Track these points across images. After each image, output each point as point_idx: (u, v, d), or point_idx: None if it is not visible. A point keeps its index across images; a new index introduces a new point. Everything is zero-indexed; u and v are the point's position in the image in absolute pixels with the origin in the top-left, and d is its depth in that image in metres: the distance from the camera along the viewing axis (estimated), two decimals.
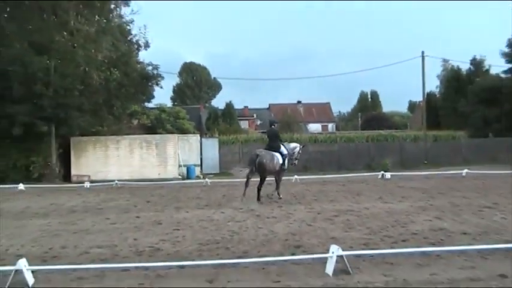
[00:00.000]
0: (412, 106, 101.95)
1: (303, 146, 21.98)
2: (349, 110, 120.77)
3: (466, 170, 29.74)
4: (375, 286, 7.54)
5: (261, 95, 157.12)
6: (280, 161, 19.11)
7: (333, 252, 8.23)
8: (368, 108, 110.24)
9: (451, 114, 54.31)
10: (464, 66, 57.34)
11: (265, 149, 19.38)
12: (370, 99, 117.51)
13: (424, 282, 7.67)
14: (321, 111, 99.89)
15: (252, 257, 9.39)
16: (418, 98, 59.79)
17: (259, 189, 18.92)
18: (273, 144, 19.35)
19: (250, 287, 7.63)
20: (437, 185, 23.68)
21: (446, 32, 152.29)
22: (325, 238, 11.13)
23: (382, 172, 29.59)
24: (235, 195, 20.91)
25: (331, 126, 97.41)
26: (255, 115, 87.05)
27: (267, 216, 14.79)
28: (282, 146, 19.55)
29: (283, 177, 21.14)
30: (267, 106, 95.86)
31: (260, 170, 18.77)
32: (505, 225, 12.30)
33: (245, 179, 19.43)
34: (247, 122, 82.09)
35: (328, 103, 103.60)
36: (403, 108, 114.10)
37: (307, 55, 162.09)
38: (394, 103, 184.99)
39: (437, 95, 63.63)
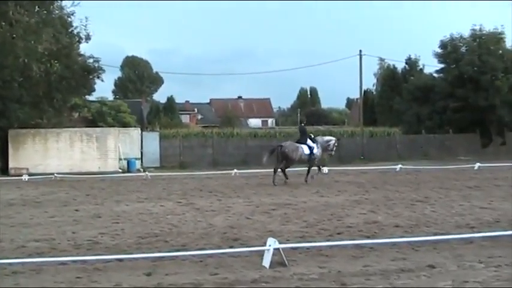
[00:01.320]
0: (350, 103, 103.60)
1: (338, 140, 25.43)
2: (289, 106, 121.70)
3: (399, 165, 30.59)
4: (310, 278, 7.72)
5: (202, 90, 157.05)
6: (306, 152, 22.63)
7: (269, 245, 8.38)
8: (307, 105, 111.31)
9: (387, 112, 55.53)
10: (400, 65, 58.67)
11: (296, 142, 23.23)
12: (309, 96, 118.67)
13: (357, 274, 7.88)
14: (261, 107, 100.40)
15: (190, 250, 9.48)
16: (356, 95, 60.93)
17: (283, 171, 22.73)
18: (301, 139, 23.19)
19: (188, 280, 7.72)
20: (373, 179, 24.30)
21: (383, 32, 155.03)
22: (263, 231, 11.32)
23: (320, 166, 30.03)
24: (175, 189, 20.99)
25: (271, 121, 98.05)
26: (196, 110, 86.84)
27: (206, 210, 14.92)
28: (309, 140, 22.97)
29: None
30: (208, 101, 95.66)
31: (283, 157, 22.55)
32: (434, 218, 12.78)
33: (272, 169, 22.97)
34: (188, 116, 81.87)
35: (268, 99, 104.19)
36: (341, 105, 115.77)
37: (248, 52, 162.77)
38: (332, 100, 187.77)
39: (374, 93, 64.92)
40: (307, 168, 23.34)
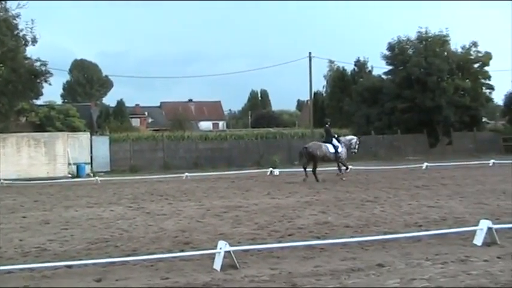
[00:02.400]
0: (300, 105, 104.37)
1: (359, 138, 27.26)
2: (240, 108, 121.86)
3: (350, 166, 30.88)
4: (261, 279, 7.74)
5: (152, 94, 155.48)
6: (331, 150, 24.31)
7: (220, 248, 8.37)
8: (258, 107, 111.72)
9: (337, 113, 56.19)
10: (349, 67, 59.53)
11: (322, 142, 25.23)
12: (260, 98, 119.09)
13: (308, 274, 7.92)
14: (212, 110, 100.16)
15: (141, 255, 9.38)
16: (306, 97, 61.35)
17: (314, 172, 24.11)
18: (326, 138, 25.16)
19: (138, 285, 7.65)
20: (323, 180, 24.48)
21: (332, 34, 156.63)
22: (214, 234, 11.29)
23: (271, 169, 30.22)
24: (126, 193, 20.79)
25: (222, 124, 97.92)
26: (146, 113, 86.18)
27: (157, 214, 14.80)
28: (333, 139, 24.70)
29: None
30: (159, 104, 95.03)
31: (309, 156, 24.30)
32: (384, 218, 12.96)
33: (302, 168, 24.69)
34: (138, 120, 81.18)
35: (219, 101, 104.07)
36: (292, 107, 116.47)
37: (198, 54, 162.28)
38: (283, 102, 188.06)
39: (324, 95, 65.54)
40: (337, 167, 25.26)
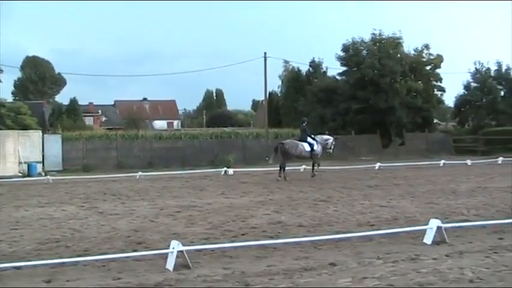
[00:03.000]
0: (256, 105, 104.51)
1: (335, 139, 27.78)
2: (195, 107, 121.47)
3: (303, 166, 31.10)
4: (214, 279, 7.73)
5: (106, 92, 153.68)
6: (307, 149, 24.82)
7: (173, 248, 8.33)
8: (213, 106, 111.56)
9: (291, 113, 56.44)
10: (304, 67, 59.81)
11: (296, 140, 25.86)
12: (215, 98, 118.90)
13: (261, 274, 7.95)
14: (167, 109, 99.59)
15: (92, 255, 9.27)
16: (261, 97, 61.41)
17: (281, 168, 24.66)
18: (302, 137, 25.53)
19: (90, 286, 7.55)
20: (277, 180, 24.57)
21: (287, 35, 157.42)
22: (167, 234, 11.23)
23: (225, 168, 30.21)
24: (78, 193, 20.49)
25: (176, 123, 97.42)
26: (100, 111, 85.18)
27: (110, 213, 14.64)
28: (309, 137, 25.13)
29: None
30: (113, 103, 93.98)
31: (283, 154, 24.76)
32: (336, 217, 13.10)
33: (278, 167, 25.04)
34: (92, 118, 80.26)
35: (174, 101, 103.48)
36: (247, 107, 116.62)
37: (153, 53, 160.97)
38: (238, 101, 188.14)
39: (279, 95, 65.73)
40: (311, 165, 25.83)
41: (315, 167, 25.48)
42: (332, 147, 26.49)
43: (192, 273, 8.06)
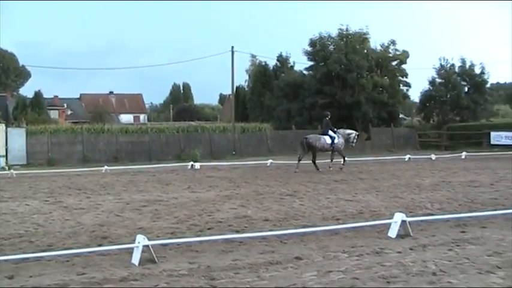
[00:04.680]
0: (222, 99, 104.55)
1: (358, 134, 28.73)
2: (162, 101, 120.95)
3: (270, 160, 31.26)
4: (180, 274, 7.70)
5: (72, 85, 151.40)
6: (328, 141, 25.77)
7: (139, 242, 8.29)
8: (180, 100, 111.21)
9: (258, 107, 56.57)
10: (271, 62, 59.91)
11: (319, 134, 26.75)
12: (182, 92, 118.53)
13: (226, 268, 7.95)
14: (133, 102, 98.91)
15: (56, 250, 9.16)
16: (228, 91, 61.35)
17: (313, 162, 25.80)
18: (324, 130, 26.57)
19: (53, 281, 7.46)
20: (244, 174, 24.64)
21: (255, 29, 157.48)
22: (133, 228, 11.16)
23: (192, 162, 30.13)
24: (42, 187, 20.22)
25: (143, 117, 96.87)
26: (65, 105, 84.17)
27: (75, 208, 14.46)
28: (330, 131, 26.12)
29: None
30: (78, 96, 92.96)
31: (309, 147, 25.82)
32: (302, 211, 13.14)
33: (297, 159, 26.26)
34: (57, 111, 79.23)
35: (141, 94, 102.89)
36: (214, 101, 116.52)
37: (120, 46, 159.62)
38: (205, 96, 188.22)
39: (246, 89, 65.74)
40: (330, 157, 26.71)
41: (334, 160, 26.48)
42: (355, 141, 27.52)
43: (157, 267, 8.03)
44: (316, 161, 25.86)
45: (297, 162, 25.96)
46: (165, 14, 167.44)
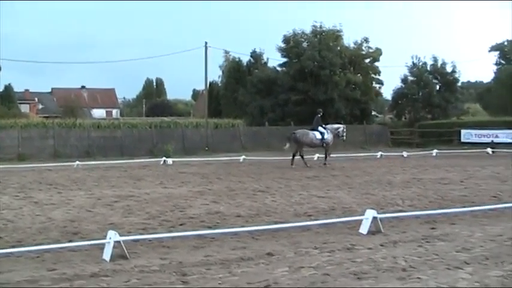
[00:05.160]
0: (196, 94, 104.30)
1: (345, 127, 29.14)
2: (134, 96, 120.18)
3: (243, 156, 31.23)
4: (151, 269, 7.70)
5: (43, 79, 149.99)
6: (318, 137, 26.21)
7: (110, 238, 8.26)
8: (153, 96, 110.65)
9: (231, 103, 56.52)
10: (245, 58, 59.86)
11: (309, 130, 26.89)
12: (155, 87, 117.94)
13: (198, 264, 7.96)
14: (106, 97, 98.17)
15: (26, 246, 9.06)
16: (201, 86, 61.30)
17: (301, 157, 26.09)
18: (314, 126, 26.81)
19: (23, 278, 7.38)
20: (216, 170, 24.60)
21: (229, 25, 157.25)
22: (104, 224, 11.10)
23: (164, 158, 30.01)
24: (12, 182, 19.95)
25: (115, 112, 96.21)
26: (36, 99, 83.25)
27: (45, 203, 14.33)
28: (320, 127, 26.48)
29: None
30: (50, 90, 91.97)
31: (295, 142, 26.17)
32: (274, 208, 13.19)
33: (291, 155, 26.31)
34: (28, 106, 78.32)
35: (113, 89, 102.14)
36: (187, 96, 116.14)
37: (92, 41, 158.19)
38: (178, 91, 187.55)
39: (219, 85, 65.64)
40: (324, 154, 27.02)
41: (327, 156, 26.63)
42: (344, 135, 27.99)
43: (129, 263, 8.01)
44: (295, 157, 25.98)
45: (291, 158, 26.12)
46: (138, 9, 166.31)
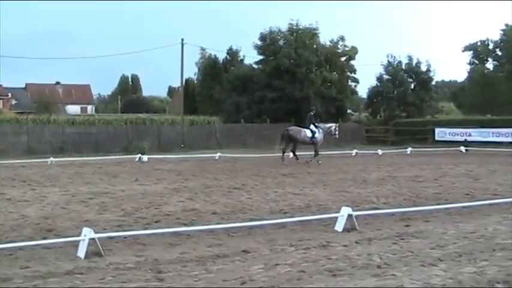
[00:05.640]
0: (171, 91, 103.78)
1: (338, 125, 30.60)
2: (110, 92, 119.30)
3: (219, 154, 31.22)
4: (126, 267, 7.66)
5: (17, 74, 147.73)
6: (308, 135, 26.51)
7: (85, 235, 8.20)
8: (128, 92, 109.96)
9: (207, 101, 56.43)
10: (221, 55, 59.71)
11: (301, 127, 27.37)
12: (130, 83, 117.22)
13: (174, 261, 7.94)
14: (81, 93, 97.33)
15: None
16: (177, 83, 60.79)
17: (293, 153, 26.62)
18: (306, 124, 27.30)
19: None
20: (192, 167, 24.56)
21: (205, 22, 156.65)
22: (79, 221, 11.01)
23: (140, 155, 29.87)
24: None
25: (90, 108, 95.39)
26: (10, 94, 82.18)
27: (19, 200, 14.17)
28: (312, 125, 26.89)
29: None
30: (24, 86, 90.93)
31: (290, 139, 26.49)
32: (250, 205, 13.21)
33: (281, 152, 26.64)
34: (1, 101, 77.28)
35: (88, 85, 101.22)
36: (163, 93, 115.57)
37: (66, 36, 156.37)
38: (154, 88, 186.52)
39: (195, 82, 65.43)
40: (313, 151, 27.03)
41: (315, 155, 26.71)
42: (336, 133, 28.65)
43: (104, 260, 7.96)
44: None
45: (281, 154, 26.46)
46: (114, 4, 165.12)
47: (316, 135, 26.78)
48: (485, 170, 22.01)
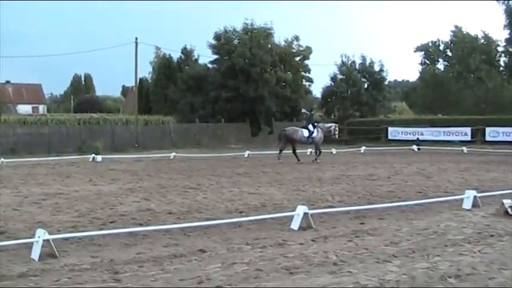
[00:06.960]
0: (125, 91, 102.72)
1: (337, 125, 31.08)
2: (62, 92, 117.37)
3: (173, 153, 31.09)
4: (82, 268, 7.58)
5: None
6: (305, 134, 26.85)
7: (39, 237, 8.08)
8: (81, 91, 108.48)
9: (162, 100, 56.04)
10: (176, 54, 59.36)
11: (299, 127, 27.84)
12: (83, 82, 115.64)
13: (130, 262, 7.90)
14: (32, 93, 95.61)
15: None
16: (131, 83, 60.33)
17: (294, 152, 26.91)
18: (304, 124, 27.97)
19: None
20: (147, 167, 24.42)
21: (159, 21, 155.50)
22: (32, 222, 10.83)
23: (93, 155, 29.53)
24: None
25: (42, 108, 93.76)
26: None
27: None
28: (310, 125, 27.17)
29: None
30: None
31: (287, 139, 27.02)
32: (206, 204, 13.21)
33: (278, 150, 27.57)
34: None
35: (40, 84, 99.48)
36: (117, 93, 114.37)
37: (17, 34, 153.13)
38: (107, 87, 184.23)
39: (150, 81, 64.94)
40: (314, 151, 27.81)
41: (317, 153, 27.07)
42: (336, 133, 29.23)
43: (58, 262, 7.87)
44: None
45: (278, 152, 27.25)
46: (66, 2, 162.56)
47: (314, 134, 27.05)
48: (436, 168, 22.45)
